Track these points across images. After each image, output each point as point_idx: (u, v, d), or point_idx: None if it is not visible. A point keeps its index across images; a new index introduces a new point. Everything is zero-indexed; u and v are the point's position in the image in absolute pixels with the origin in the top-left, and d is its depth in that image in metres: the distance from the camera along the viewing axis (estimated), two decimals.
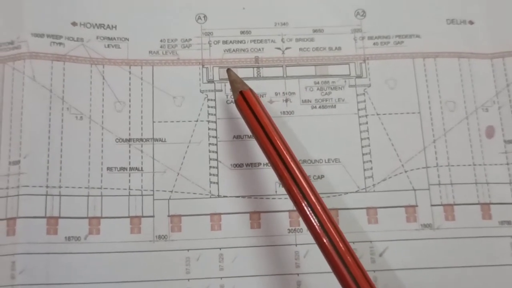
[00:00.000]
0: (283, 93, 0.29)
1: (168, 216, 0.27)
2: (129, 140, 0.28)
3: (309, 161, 0.28)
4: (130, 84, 0.29)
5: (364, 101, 0.29)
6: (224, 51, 0.30)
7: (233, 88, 0.26)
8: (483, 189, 0.28)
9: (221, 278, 0.27)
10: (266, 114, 0.25)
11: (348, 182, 0.28)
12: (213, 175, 0.28)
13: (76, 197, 0.27)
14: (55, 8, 0.29)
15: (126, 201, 0.27)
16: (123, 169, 0.28)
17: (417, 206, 0.28)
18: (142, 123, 0.28)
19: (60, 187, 0.27)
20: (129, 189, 0.27)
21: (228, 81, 0.27)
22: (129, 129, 0.28)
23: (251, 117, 0.25)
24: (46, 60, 0.28)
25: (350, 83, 0.29)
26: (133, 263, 0.27)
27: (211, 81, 0.29)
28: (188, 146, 0.28)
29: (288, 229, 0.27)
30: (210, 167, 0.28)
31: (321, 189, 0.28)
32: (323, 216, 0.22)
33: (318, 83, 0.29)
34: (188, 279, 0.27)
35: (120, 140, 0.28)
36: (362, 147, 0.29)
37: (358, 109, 0.29)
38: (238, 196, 0.28)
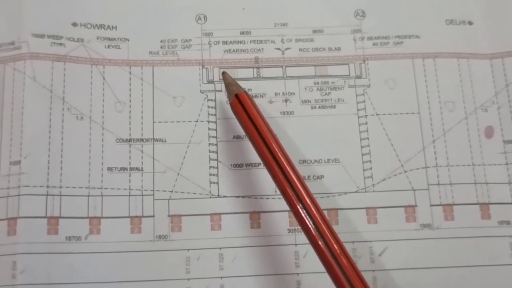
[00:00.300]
0: (283, 93, 0.29)
1: (168, 216, 0.27)
2: (130, 140, 0.28)
3: (308, 161, 0.28)
4: (130, 84, 0.29)
5: (364, 101, 0.29)
6: (224, 51, 0.30)
7: (228, 91, 0.26)
8: (482, 189, 0.28)
9: (221, 277, 0.27)
10: (261, 117, 0.25)
11: (348, 182, 0.28)
12: (213, 175, 0.28)
13: (76, 197, 0.27)
14: (56, 9, 0.29)
15: (127, 201, 0.27)
16: (123, 169, 0.28)
17: (416, 206, 0.28)
18: (142, 123, 0.28)
19: (60, 187, 0.27)
20: (130, 189, 0.28)
21: (224, 84, 0.27)
22: (130, 129, 0.28)
23: (246, 120, 0.25)
24: (46, 60, 0.28)
25: (349, 84, 0.30)
26: (133, 263, 0.27)
27: (211, 82, 0.29)
28: (188, 146, 0.28)
29: (288, 229, 0.27)
30: (210, 167, 0.28)
31: (321, 189, 0.28)
32: (318, 218, 0.22)
33: (317, 83, 0.30)
34: (188, 279, 0.27)
35: (121, 140, 0.28)
36: (362, 147, 0.29)
37: (358, 109, 0.29)
38: (238, 196, 0.28)
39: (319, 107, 0.29)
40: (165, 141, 0.28)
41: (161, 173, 0.28)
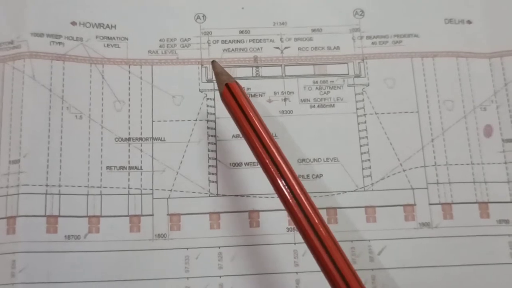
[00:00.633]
0: (282, 92, 0.29)
1: (167, 214, 0.27)
2: (129, 139, 0.28)
3: (307, 160, 0.28)
4: (129, 83, 0.29)
5: (363, 100, 0.29)
6: (223, 50, 0.30)
7: (218, 81, 0.25)
8: (481, 188, 0.28)
9: (220, 276, 0.27)
10: (252, 107, 0.25)
11: (347, 181, 0.28)
12: (212, 174, 0.28)
13: (75, 196, 0.27)
14: (55, 8, 0.29)
15: (126, 200, 0.27)
16: (122, 168, 0.28)
17: (415, 205, 0.28)
18: (141, 122, 0.28)
19: (60, 186, 0.27)
20: (129, 188, 0.28)
21: (214, 74, 0.26)
22: (129, 128, 0.28)
23: (236, 110, 0.24)
24: (46, 59, 0.28)
25: (348, 83, 0.30)
26: (132, 262, 0.27)
27: (210, 81, 0.29)
28: (187, 145, 0.28)
29: (287, 228, 0.27)
30: (209, 166, 0.28)
31: (320, 188, 0.28)
32: (312, 213, 0.22)
33: (316, 82, 0.30)
34: (187, 278, 0.27)
35: (120, 139, 0.28)
36: (361, 146, 0.29)
37: (357, 108, 0.29)
38: (237, 195, 0.28)
39: (318, 106, 0.29)
40: (164, 140, 0.28)
41: (160, 172, 0.28)
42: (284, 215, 0.28)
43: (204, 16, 0.30)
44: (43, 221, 0.27)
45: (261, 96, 0.29)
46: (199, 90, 0.29)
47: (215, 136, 0.29)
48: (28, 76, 0.28)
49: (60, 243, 0.27)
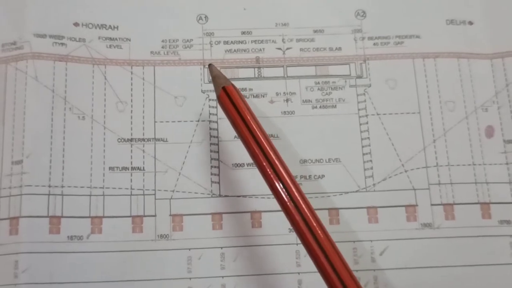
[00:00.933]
0: (284, 93, 0.29)
1: (170, 215, 0.27)
2: (131, 140, 0.28)
3: (309, 161, 0.29)
4: (132, 84, 0.29)
5: (365, 101, 0.29)
6: (225, 51, 0.30)
7: (215, 84, 0.26)
8: (483, 188, 0.28)
9: (223, 277, 0.27)
10: (249, 109, 0.25)
11: (349, 181, 0.28)
12: (214, 174, 0.28)
13: (78, 196, 0.27)
14: (57, 9, 0.29)
15: (128, 201, 0.27)
16: (125, 168, 0.28)
17: (417, 205, 0.28)
18: (143, 123, 0.29)
19: (62, 186, 0.27)
20: (131, 188, 0.28)
21: (211, 77, 0.26)
22: (131, 129, 0.28)
23: (233, 113, 0.24)
24: (48, 60, 0.28)
25: (350, 83, 0.30)
26: (135, 262, 0.27)
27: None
28: (189, 146, 0.28)
29: (289, 229, 0.27)
30: (211, 166, 0.28)
31: (322, 189, 0.28)
32: (308, 214, 0.22)
33: (318, 83, 0.30)
34: (190, 278, 0.27)
35: (122, 140, 0.28)
36: (363, 146, 0.29)
37: (359, 109, 0.29)
38: (239, 196, 0.28)
39: (320, 107, 0.29)
40: (166, 141, 0.28)
41: (162, 173, 0.28)
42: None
43: (206, 17, 0.30)
44: (46, 222, 0.27)
45: (263, 97, 0.29)
46: (201, 91, 0.29)
47: (217, 136, 0.29)
48: (31, 77, 0.28)
49: (63, 244, 0.27)
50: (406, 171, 0.28)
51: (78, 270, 0.26)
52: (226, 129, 0.29)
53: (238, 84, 0.29)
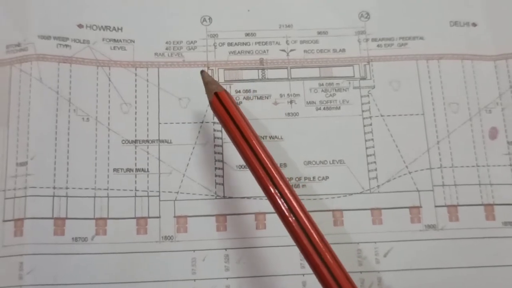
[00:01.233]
0: (288, 94, 0.29)
1: (174, 217, 0.27)
2: (135, 141, 0.28)
3: (313, 162, 0.29)
4: (136, 85, 0.29)
5: (368, 102, 0.29)
6: (229, 53, 0.30)
7: (207, 90, 0.26)
8: (487, 190, 0.28)
9: (227, 278, 0.27)
10: (242, 115, 0.25)
11: (353, 183, 0.28)
12: (219, 176, 0.28)
13: (83, 198, 0.27)
14: (62, 10, 0.29)
15: (133, 202, 0.27)
16: (129, 170, 0.28)
17: (421, 207, 0.28)
18: (148, 125, 0.29)
19: (67, 188, 0.27)
20: (135, 190, 0.28)
21: (203, 83, 0.26)
22: (135, 130, 0.28)
23: (226, 119, 0.24)
24: (52, 62, 0.29)
25: (354, 85, 0.30)
26: (139, 264, 0.27)
27: None
28: (193, 147, 0.28)
29: None
30: (216, 168, 0.28)
31: (326, 190, 0.28)
32: (303, 217, 0.22)
33: (322, 84, 0.30)
34: (194, 280, 0.27)
35: (126, 142, 0.28)
36: (367, 148, 0.29)
37: (362, 111, 0.29)
38: (244, 197, 0.28)
39: (324, 109, 0.29)
40: (170, 142, 0.28)
41: (166, 174, 0.28)
42: None
43: (210, 18, 0.30)
44: (51, 223, 0.27)
45: (267, 98, 0.29)
46: (205, 92, 0.29)
47: (221, 138, 0.29)
48: (35, 78, 0.28)
49: (67, 245, 0.27)
50: (410, 172, 0.28)
51: (83, 271, 0.26)
52: None
53: (242, 86, 0.29)
